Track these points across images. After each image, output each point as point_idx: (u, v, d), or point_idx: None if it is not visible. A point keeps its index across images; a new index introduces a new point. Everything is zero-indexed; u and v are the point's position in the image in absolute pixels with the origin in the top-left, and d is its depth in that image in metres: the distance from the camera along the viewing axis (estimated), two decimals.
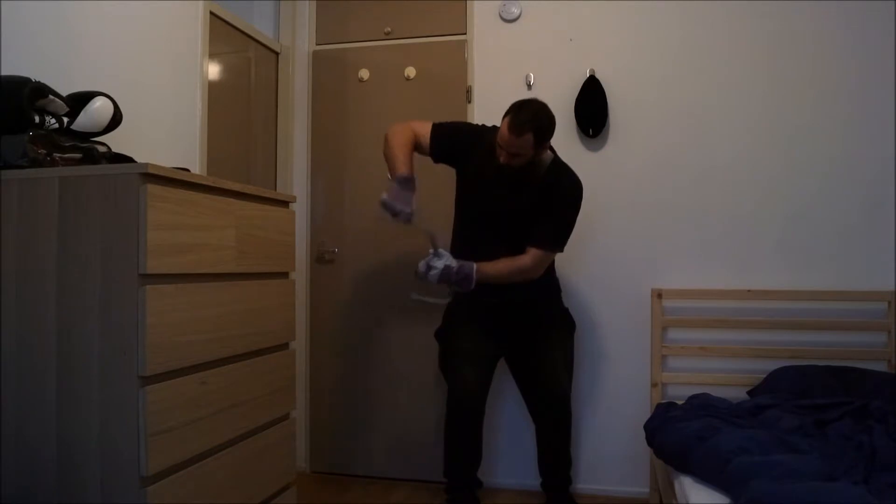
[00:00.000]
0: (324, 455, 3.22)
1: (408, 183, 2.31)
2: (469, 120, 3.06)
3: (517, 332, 2.51)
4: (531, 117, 2.18)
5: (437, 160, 2.51)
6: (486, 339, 2.48)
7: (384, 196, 2.28)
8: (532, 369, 2.52)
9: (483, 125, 2.54)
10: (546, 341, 2.50)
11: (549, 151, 2.39)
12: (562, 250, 2.45)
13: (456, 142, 2.46)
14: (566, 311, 2.62)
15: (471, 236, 2.49)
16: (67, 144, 1.66)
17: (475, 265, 2.35)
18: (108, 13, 2.11)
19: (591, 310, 2.91)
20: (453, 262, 2.35)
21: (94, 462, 1.45)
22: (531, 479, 2.87)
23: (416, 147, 2.45)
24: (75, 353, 1.47)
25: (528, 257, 2.38)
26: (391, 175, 2.38)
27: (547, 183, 2.36)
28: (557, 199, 2.38)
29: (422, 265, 2.35)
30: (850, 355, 2.67)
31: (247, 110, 3.02)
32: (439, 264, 2.33)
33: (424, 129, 2.45)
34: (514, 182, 2.35)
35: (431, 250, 2.37)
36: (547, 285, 2.56)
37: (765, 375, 2.59)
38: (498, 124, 2.48)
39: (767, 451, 1.79)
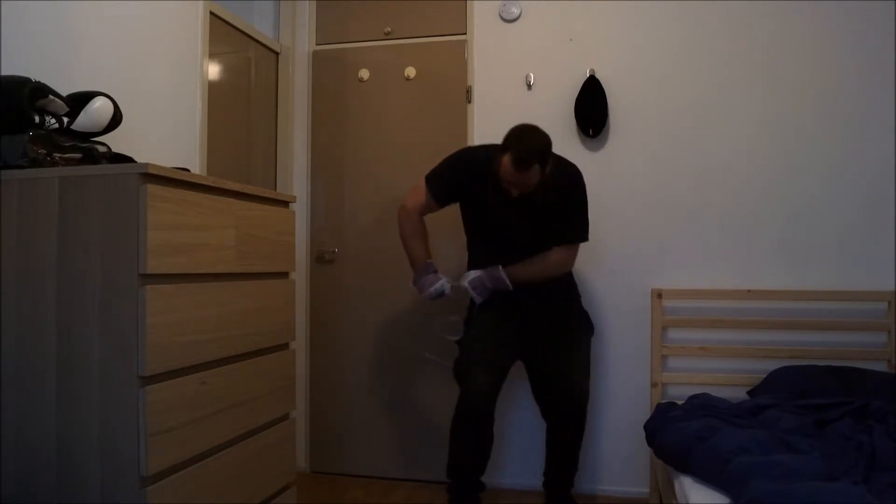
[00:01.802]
0: (324, 455, 3.22)
1: (427, 268, 2.50)
2: (469, 120, 3.07)
3: (537, 333, 2.50)
4: (531, 149, 2.19)
5: (443, 205, 2.54)
6: (504, 344, 2.47)
7: (423, 294, 2.51)
8: (551, 370, 2.50)
9: (470, 150, 2.62)
10: (566, 343, 2.51)
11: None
12: (587, 239, 2.51)
13: (451, 182, 2.48)
14: (586, 313, 2.63)
15: (491, 250, 2.51)
16: (67, 144, 1.66)
17: (500, 268, 2.42)
18: (108, 13, 2.11)
19: (591, 310, 2.89)
20: (478, 272, 2.45)
21: (94, 462, 1.45)
22: (532, 479, 2.87)
23: (425, 211, 2.53)
24: (75, 353, 1.47)
25: (557, 253, 2.46)
26: (413, 268, 2.54)
27: (554, 185, 2.36)
28: (569, 194, 2.43)
29: (446, 286, 2.48)
30: (850, 355, 2.67)
31: (247, 110, 3.02)
32: (465, 283, 2.45)
33: (420, 193, 2.51)
34: (523, 198, 2.34)
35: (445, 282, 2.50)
36: (568, 284, 2.59)
37: (765, 375, 2.59)
38: (496, 139, 2.49)
39: (767, 451, 1.79)
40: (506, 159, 2.21)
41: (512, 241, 2.47)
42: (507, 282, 2.42)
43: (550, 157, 2.27)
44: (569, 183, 2.44)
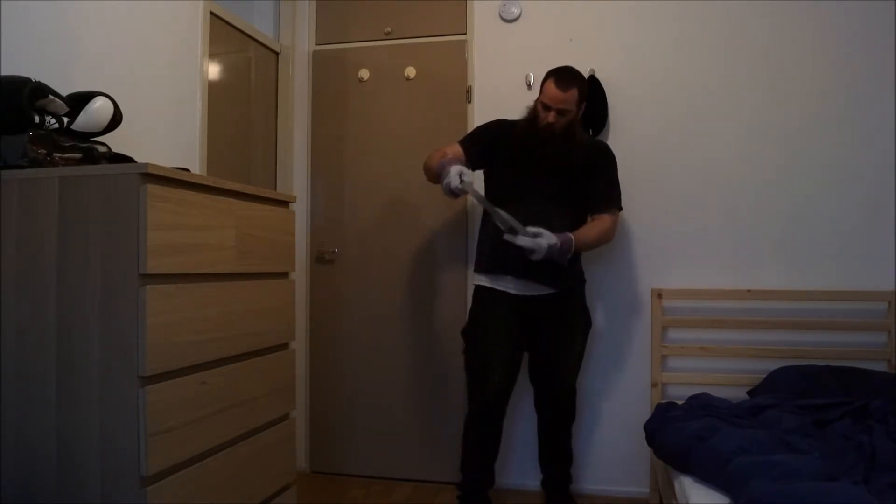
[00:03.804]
0: (324, 455, 3.22)
1: (448, 162, 2.33)
2: (469, 120, 3.07)
3: (540, 327, 2.53)
4: (573, 74, 2.43)
5: (475, 165, 2.51)
6: (513, 340, 2.50)
7: (445, 185, 2.27)
8: (545, 363, 2.58)
9: (503, 119, 2.62)
10: (565, 339, 2.54)
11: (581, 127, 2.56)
12: (622, 209, 2.59)
13: (484, 136, 2.56)
14: (587, 309, 2.65)
15: (526, 216, 2.37)
16: (67, 144, 1.66)
17: (572, 238, 2.35)
18: (107, 13, 2.11)
19: (591, 310, 2.90)
20: (554, 239, 2.27)
21: (94, 462, 1.45)
22: (532, 479, 2.88)
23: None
24: (75, 353, 1.47)
25: (606, 221, 2.48)
26: (440, 173, 2.33)
27: (587, 151, 2.49)
28: (602, 163, 2.53)
29: (526, 242, 2.25)
30: (850, 355, 2.67)
31: (247, 110, 3.02)
32: (543, 243, 2.25)
33: (453, 146, 2.51)
34: (558, 151, 2.41)
35: (505, 228, 2.28)
36: (578, 275, 2.60)
37: (765, 375, 2.59)
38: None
39: (767, 451, 1.79)
40: (549, 82, 2.40)
41: (538, 209, 2.39)
42: (569, 255, 2.35)
43: (586, 93, 2.47)
44: (602, 152, 2.56)
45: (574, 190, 2.47)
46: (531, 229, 2.27)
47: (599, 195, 2.50)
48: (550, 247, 2.26)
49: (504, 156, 2.50)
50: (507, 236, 2.29)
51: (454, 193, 2.29)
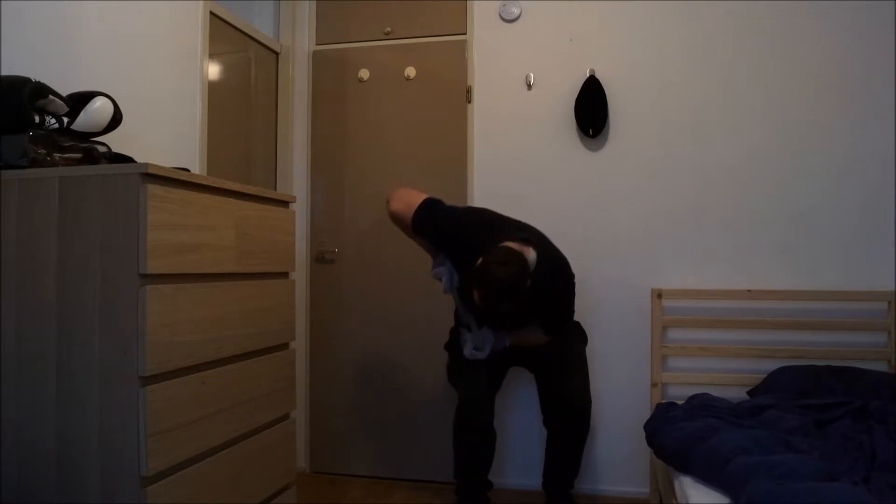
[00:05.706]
0: (324, 455, 3.22)
1: (435, 254, 2.47)
2: (469, 120, 3.07)
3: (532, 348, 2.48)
4: (500, 299, 2.08)
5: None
6: (499, 356, 2.46)
7: (444, 286, 2.46)
8: (553, 382, 2.49)
9: (474, 226, 2.36)
10: (564, 354, 2.49)
11: (531, 253, 2.15)
12: (569, 324, 2.49)
13: (442, 241, 2.42)
14: (577, 323, 2.58)
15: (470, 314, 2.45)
16: (67, 144, 1.66)
17: (506, 341, 2.42)
18: (108, 13, 2.11)
19: (591, 310, 2.90)
20: (487, 346, 2.39)
21: (94, 462, 1.45)
22: (533, 479, 2.87)
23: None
24: (75, 353, 1.47)
25: (542, 338, 2.43)
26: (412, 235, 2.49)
27: (540, 283, 2.16)
28: (554, 293, 2.33)
29: (469, 349, 2.43)
30: (850, 355, 2.67)
31: (247, 110, 3.02)
32: (482, 356, 2.40)
33: (409, 208, 2.40)
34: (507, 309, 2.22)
35: (468, 330, 2.46)
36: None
37: (765, 375, 2.59)
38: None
39: (767, 451, 1.79)
40: (476, 294, 2.12)
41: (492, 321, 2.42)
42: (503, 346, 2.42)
43: (522, 292, 2.09)
44: (560, 285, 2.34)
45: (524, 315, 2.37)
46: (480, 334, 2.40)
47: (544, 321, 2.40)
48: (479, 355, 2.40)
49: (456, 267, 2.40)
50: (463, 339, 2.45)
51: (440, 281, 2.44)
